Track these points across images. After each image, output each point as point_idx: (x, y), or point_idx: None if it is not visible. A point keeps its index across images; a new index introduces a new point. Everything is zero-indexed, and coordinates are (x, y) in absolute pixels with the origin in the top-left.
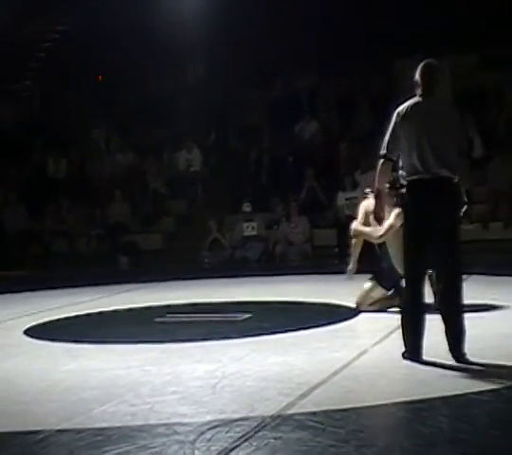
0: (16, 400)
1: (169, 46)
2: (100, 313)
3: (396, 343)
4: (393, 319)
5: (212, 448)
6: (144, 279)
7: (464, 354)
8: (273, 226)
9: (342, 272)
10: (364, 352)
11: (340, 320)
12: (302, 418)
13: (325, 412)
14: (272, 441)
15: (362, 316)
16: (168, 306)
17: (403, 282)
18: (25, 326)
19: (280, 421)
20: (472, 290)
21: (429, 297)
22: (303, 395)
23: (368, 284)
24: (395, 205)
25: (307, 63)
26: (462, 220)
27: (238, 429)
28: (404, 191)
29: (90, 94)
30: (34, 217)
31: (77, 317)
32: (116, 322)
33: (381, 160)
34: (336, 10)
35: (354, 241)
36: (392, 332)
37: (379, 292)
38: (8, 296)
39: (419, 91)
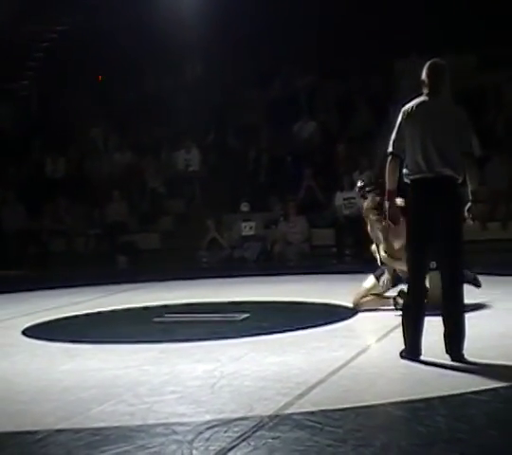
0: (14, 400)
1: (167, 46)
2: (99, 313)
3: (395, 343)
4: (391, 319)
5: (211, 448)
6: (142, 278)
7: (462, 354)
8: (271, 225)
9: (340, 272)
10: (362, 351)
11: (339, 320)
12: (301, 418)
13: (323, 412)
14: (270, 440)
15: (360, 315)
16: (166, 306)
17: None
18: (23, 326)
19: (278, 420)
20: (470, 290)
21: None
22: (302, 395)
23: (367, 283)
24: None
25: (306, 62)
26: (465, 218)
27: (236, 429)
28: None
29: (88, 93)
30: (32, 216)
31: (75, 316)
32: (114, 322)
33: (389, 158)
34: (335, 10)
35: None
36: (390, 331)
37: (377, 291)
38: (6, 295)
39: (426, 90)
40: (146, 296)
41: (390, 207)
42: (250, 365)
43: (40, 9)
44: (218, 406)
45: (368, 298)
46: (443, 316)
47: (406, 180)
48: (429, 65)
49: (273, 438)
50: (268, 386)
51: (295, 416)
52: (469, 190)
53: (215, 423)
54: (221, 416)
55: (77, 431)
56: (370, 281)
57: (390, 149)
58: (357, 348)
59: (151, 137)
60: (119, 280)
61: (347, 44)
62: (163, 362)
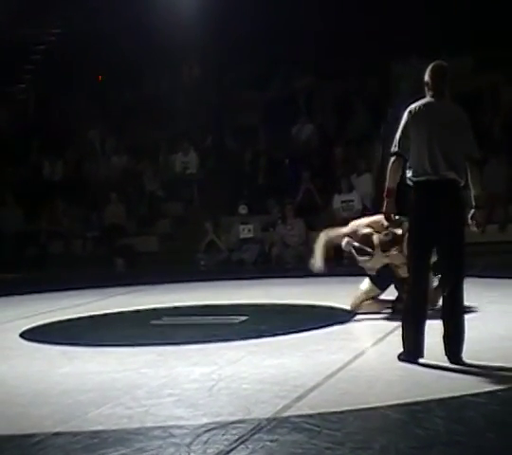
0: (12, 403)
1: (165, 48)
2: (97, 315)
3: (392, 346)
4: (388, 322)
5: (209, 451)
6: (140, 281)
7: (461, 357)
8: (269, 228)
9: (338, 275)
10: (360, 354)
11: (337, 323)
12: (298, 420)
13: (321, 415)
14: (268, 443)
15: (358, 318)
16: (164, 309)
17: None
18: (21, 329)
19: (276, 423)
20: (468, 292)
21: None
22: (299, 398)
23: (364, 286)
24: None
25: (304, 64)
26: (468, 224)
27: (234, 432)
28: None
29: (86, 95)
30: (30, 219)
31: (73, 319)
32: (112, 325)
33: (393, 158)
34: (333, 12)
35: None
36: (388, 334)
37: (375, 293)
38: (3, 298)
39: (430, 92)
40: (144, 298)
41: (387, 203)
42: (248, 368)
43: (38, 12)
44: (216, 409)
45: (367, 301)
46: (443, 318)
47: (408, 182)
48: (433, 67)
49: (271, 441)
50: (266, 389)
51: (293, 419)
52: (472, 195)
53: (213, 426)
54: (219, 419)
55: (75, 434)
56: (366, 283)
57: (395, 148)
58: (355, 351)
59: (148, 140)
60: (117, 282)
61: (345, 45)
62: (161, 365)
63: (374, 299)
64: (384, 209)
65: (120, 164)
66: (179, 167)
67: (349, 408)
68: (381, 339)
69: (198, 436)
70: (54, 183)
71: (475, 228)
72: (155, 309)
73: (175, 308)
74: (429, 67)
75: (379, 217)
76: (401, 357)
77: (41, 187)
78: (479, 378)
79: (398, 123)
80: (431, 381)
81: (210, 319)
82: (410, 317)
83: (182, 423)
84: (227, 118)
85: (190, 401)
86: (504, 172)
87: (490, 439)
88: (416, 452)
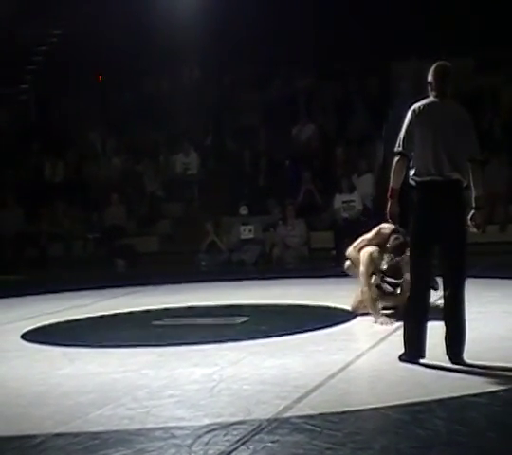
0: (13, 404)
1: (165, 48)
2: (98, 317)
3: (393, 346)
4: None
5: (210, 452)
6: (141, 282)
7: (462, 357)
8: (270, 228)
9: (339, 275)
10: (361, 355)
11: (337, 323)
12: (299, 421)
13: (322, 415)
14: (269, 444)
15: (359, 319)
16: (165, 309)
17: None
18: (22, 330)
19: (277, 424)
20: (469, 292)
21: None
22: (300, 398)
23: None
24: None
25: (304, 64)
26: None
27: (235, 433)
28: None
29: (87, 97)
30: (31, 220)
31: (74, 320)
32: (113, 326)
33: (397, 158)
34: (333, 12)
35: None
36: (388, 335)
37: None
38: (4, 300)
39: (434, 92)
40: (145, 299)
41: (391, 204)
42: (249, 369)
43: (39, 13)
44: (217, 409)
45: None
46: (444, 318)
47: (411, 182)
48: (436, 67)
49: (272, 442)
50: (267, 389)
51: (294, 420)
52: (473, 196)
53: (214, 427)
54: (220, 420)
55: (76, 435)
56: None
57: (398, 148)
58: (356, 351)
59: (149, 141)
60: (118, 283)
61: (345, 46)
62: (162, 366)
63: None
64: (388, 209)
65: (121, 165)
66: (180, 167)
67: (350, 408)
68: (382, 340)
69: (199, 437)
70: (55, 184)
71: (474, 229)
72: (155, 310)
73: (176, 309)
74: (433, 67)
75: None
76: (402, 358)
77: (41, 188)
78: (480, 379)
79: (400, 123)
80: (432, 381)
81: (210, 320)
82: (411, 317)
83: (183, 424)
84: (227, 118)
85: (191, 402)
86: (505, 173)
87: (491, 439)
88: (417, 452)
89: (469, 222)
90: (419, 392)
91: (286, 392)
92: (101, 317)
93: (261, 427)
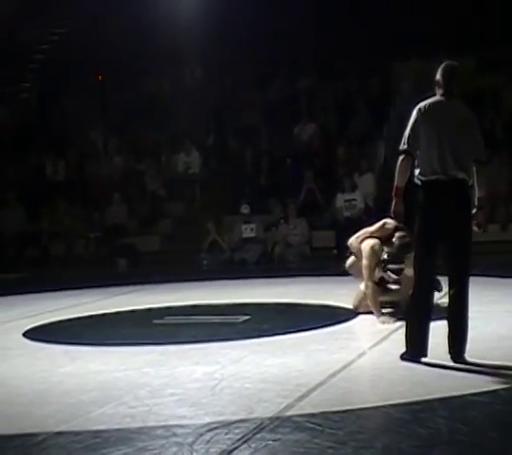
0: (15, 402)
1: (166, 48)
2: (99, 315)
3: (395, 345)
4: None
5: (211, 450)
6: (142, 281)
7: (463, 356)
8: (272, 227)
9: (341, 274)
10: (362, 353)
11: (339, 322)
12: (301, 420)
13: (323, 414)
14: (271, 442)
15: (360, 318)
16: (166, 308)
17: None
18: (23, 328)
19: (278, 423)
20: (470, 292)
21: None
22: (302, 397)
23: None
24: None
25: (305, 64)
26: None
27: (237, 431)
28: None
29: (88, 96)
30: (32, 219)
31: (75, 319)
32: (114, 324)
33: (402, 156)
34: (334, 12)
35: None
36: (390, 334)
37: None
38: (6, 298)
39: (440, 91)
40: (146, 298)
41: (396, 203)
42: (251, 367)
43: (40, 12)
44: (218, 408)
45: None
46: (448, 317)
47: (416, 181)
48: (445, 67)
49: (273, 440)
50: (269, 388)
51: (295, 418)
52: (477, 196)
53: (216, 425)
54: (221, 418)
55: (77, 434)
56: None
57: (404, 146)
58: (358, 350)
59: (150, 140)
60: (119, 282)
61: (346, 46)
62: (163, 364)
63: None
64: (392, 207)
65: (122, 164)
66: (181, 167)
67: (351, 407)
68: (383, 339)
69: (201, 435)
70: (56, 183)
71: (476, 229)
72: (157, 308)
73: (178, 307)
74: (441, 67)
75: (380, 223)
76: (404, 357)
77: (43, 187)
78: (481, 378)
79: (401, 123)
80: (433, 380)
81: (212, 319)
82: (413, 316)
83: (185, 422)
84: (229, 117)
85: (192, 400)
86: (506, 172)
87: (492, 438)
88: (418, 451)
89: (472, 221)
90: (420, 391)
91: (288, 391)
92: (103, 315)
93: (262, 426)
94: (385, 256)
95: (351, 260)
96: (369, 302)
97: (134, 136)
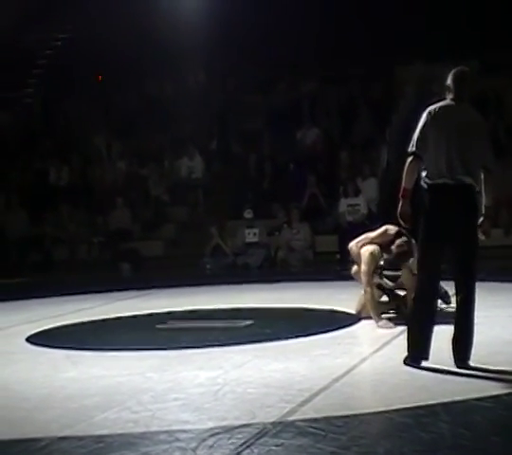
0: (18, 407)
1: (169, 52)
2: (102, 320)
3: (397, 350)
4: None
5: None
6: (145, 285)
7: (467, 362)
8: (275, 232)
9: (344, 278)
10: (365, 358)
11: (342, 327)
12: (304, 425)
13: (326, 419)
14: (273, 448)
15: (363, 322)
16: (169, 313)
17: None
18: (27, 333)
19: (281, 428)
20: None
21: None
22: (305, 402)
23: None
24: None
25: (308, 69)
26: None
27: (240, 436)
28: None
29: (91, 101)
30: (35, 224)
31: (78, 324)
32: (117, 329)
33: (410, 158)
34: (336, 17)
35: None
36: (393, 338)
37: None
38: (9, 303)
39: (450, 95)
40: (149, 303)
41: (402, 205)
42: (253, 372)
43: (44, 17)
44: (221, 413)
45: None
46: (455, 321)
47: (423, 184)
48: (456, 72)
49: (276, 445)
50: (271, 393)
51: (298, 423)
52: (484, 205)
53: (218, 430)
54: (224, 423)
55: (80, 439)
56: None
57: (412, 148)
58: (360, 355)
59: (153, 145)
60: (122, 287)
61: (349, 50)
62: (166, 369)
63: (380, 303)
64: (399, 209)
65: (126, 169)
66: (185, 171)
67: (354, 412)
68: (386, 344)
69: (204, 440)
70: (59, 188)
71: (482, 237)
72: (160, 313)
73: (181, 312)
74: (453, 72)
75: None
76: (407, 362)
77: (46, 191)
78: (484, 382)
79: (404, 127)
80: (436, 385)
81: (215, 323)
82: (416, 319)
83: (188, 427)
84: (231, 122)
85: (195, 405)
86: (509, 176)
87: (495, 443)
88: None
89: (478, 229)
90: (423, 396)
91: (290, 396)
92: (106, 320)
93: (265, 431)
94: (381, 262)
95: (354, 268)
96: (368, 307)
97: (137, 141)
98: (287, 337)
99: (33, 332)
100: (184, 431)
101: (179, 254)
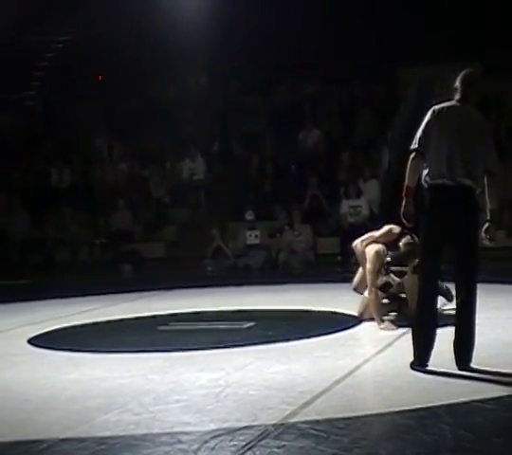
0: (19, 409)
1: (171, 55)
2: (104, 322)
3: (399, 352)
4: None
5: None
6: (147, 287)
7: (469, 364)
8: (276, 234)
9: (346, 280)
10: (367, 360)
11: (344, 329)
12: (305, 426)
13: (328, 421)
14: (275, 449)
15: (365, 324)
16: (171, 315)
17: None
18: (28, 335)
19: (283, 429)
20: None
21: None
22: (307, 404)
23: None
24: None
25: (310, 70)
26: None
27: (241, 438)
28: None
29: (93, 102)
30: (37, 225)
31: (80, 325)
32: (119, 331)
33: (413, 155)
34: (339, 18)
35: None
36: (395, 340)
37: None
38: (11, 305)
39: (457, 96)
40: (151, 304)
41: (406, 203)
42: (255, 374)
43: (45, 20)
44: (223, 415)
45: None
46: (456, 324)
47: (424, 183)
48: (464, 74)
49: (278, 447)
50: (273, 395)
51: (300, 425)
52: (488, 209)
53: (220, 432)
54: (226, 425)
55: (82, 440)
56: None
57: (415, 146)
58: (362, 357)
59: (155, 146)
60: (124, 289)
61: (351, 51)
62: (168, 371)
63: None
64: (402, 208)
65: (127, 170)
66: (186, 173)
67: (356, 414)
68: (388, 345)
69: (205, 442)
70: (61, 189)
71: (488, 242)
72: (161, 315)
73: (182, 314)
74: (461, 74)
75: (386, 229)
76: (413, 366)
77: (48, 193)
78: (485, 384)
79: (406, 129)
80: (438, 387)
81: (216, 325)
82: (418, 321)
83: (189, 429)
84: (233, 124)
85: (197, 407)
86: (511, 178)
87: (497, 445)
88: None
89: (483, 234)
90: (425, 398)
91: (292, 398)
92: (107, 322)
93: (267, 433)
94: (388, 259)
95: (357, 278)
96: (371, 308)
97: (138, 143)
98: (289, 339)
99: (35, 334)
100: (186, 433)
101: (180, 256)
